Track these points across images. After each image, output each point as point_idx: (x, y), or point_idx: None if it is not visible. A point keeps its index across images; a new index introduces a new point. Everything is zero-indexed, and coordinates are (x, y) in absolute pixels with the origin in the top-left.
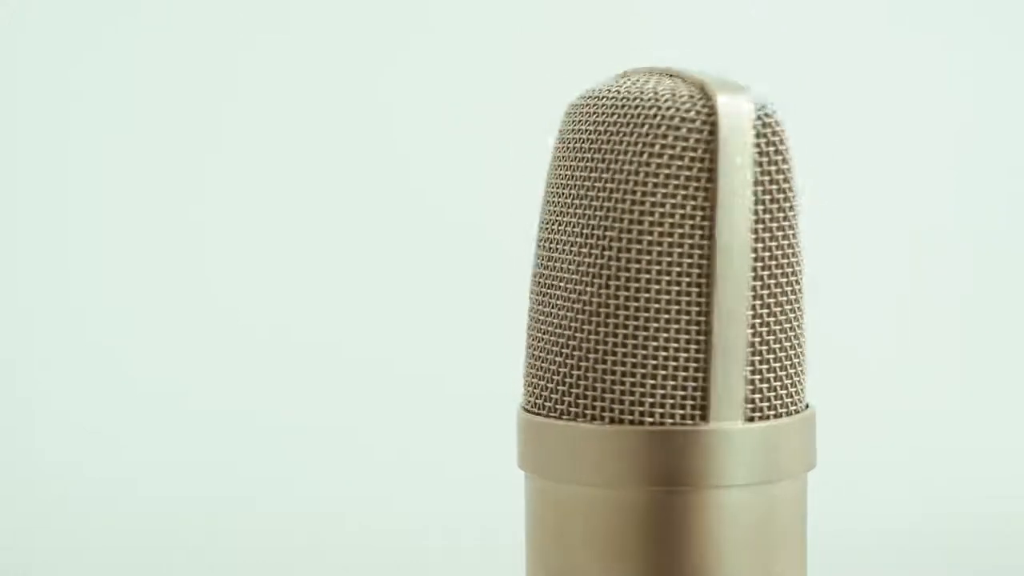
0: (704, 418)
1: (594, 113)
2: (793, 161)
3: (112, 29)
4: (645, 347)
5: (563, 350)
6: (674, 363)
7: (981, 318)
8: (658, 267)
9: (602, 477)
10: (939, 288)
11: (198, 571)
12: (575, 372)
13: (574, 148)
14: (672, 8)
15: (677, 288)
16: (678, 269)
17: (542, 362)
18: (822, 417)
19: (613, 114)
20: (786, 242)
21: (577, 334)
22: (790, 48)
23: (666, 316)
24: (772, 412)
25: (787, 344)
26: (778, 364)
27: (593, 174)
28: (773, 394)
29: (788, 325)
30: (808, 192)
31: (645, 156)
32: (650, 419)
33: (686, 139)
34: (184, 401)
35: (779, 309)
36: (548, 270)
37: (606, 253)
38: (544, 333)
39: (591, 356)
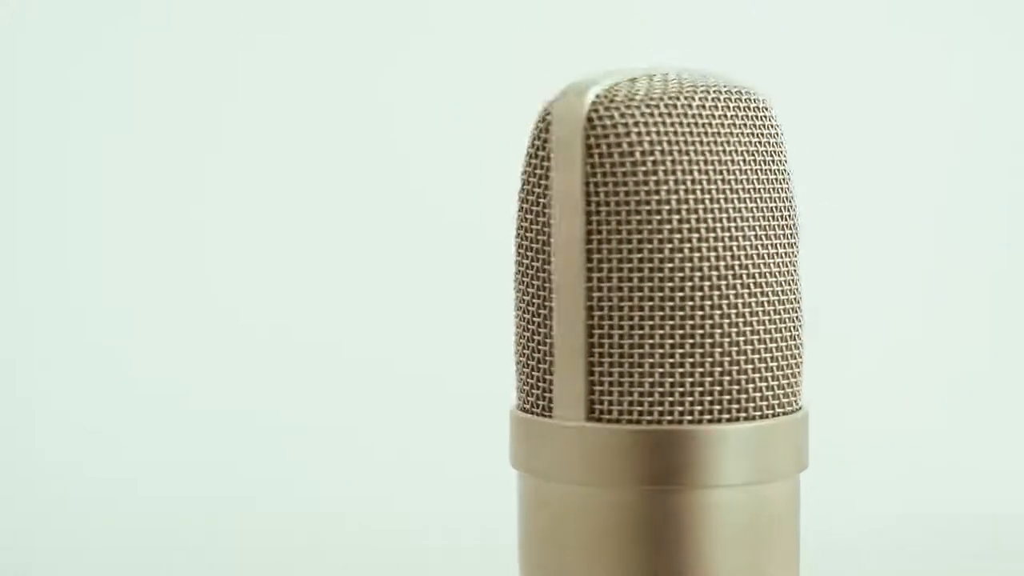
0: (550, 414)
1: None
2: (679, 163)
3: (112, 29)
4: (522, 344)
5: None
6: (534, 360)
7: (979, 319)
8: (523, 266)
9: (592, 476)
10: (937, 288)
11: (198, 571)
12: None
13: None
14: (672, 8)
15: (537, 284)
16: (536, 266)
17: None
18: (817, 418)
19: None
20: (674, 246)
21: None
22: (790, 48)
23: (530, 312)
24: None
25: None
26: (679, 367)
27: None
28: (630, 397)
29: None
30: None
31: (525, 158)
32: (524, 413)
33: (538, 139)
34: (184, 401)
35: (663, 313)
36: None
37: (518, 251)
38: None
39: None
